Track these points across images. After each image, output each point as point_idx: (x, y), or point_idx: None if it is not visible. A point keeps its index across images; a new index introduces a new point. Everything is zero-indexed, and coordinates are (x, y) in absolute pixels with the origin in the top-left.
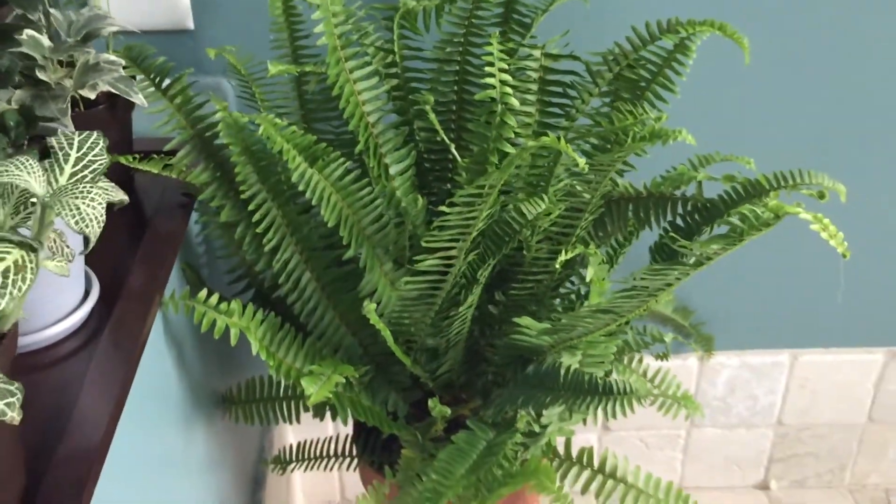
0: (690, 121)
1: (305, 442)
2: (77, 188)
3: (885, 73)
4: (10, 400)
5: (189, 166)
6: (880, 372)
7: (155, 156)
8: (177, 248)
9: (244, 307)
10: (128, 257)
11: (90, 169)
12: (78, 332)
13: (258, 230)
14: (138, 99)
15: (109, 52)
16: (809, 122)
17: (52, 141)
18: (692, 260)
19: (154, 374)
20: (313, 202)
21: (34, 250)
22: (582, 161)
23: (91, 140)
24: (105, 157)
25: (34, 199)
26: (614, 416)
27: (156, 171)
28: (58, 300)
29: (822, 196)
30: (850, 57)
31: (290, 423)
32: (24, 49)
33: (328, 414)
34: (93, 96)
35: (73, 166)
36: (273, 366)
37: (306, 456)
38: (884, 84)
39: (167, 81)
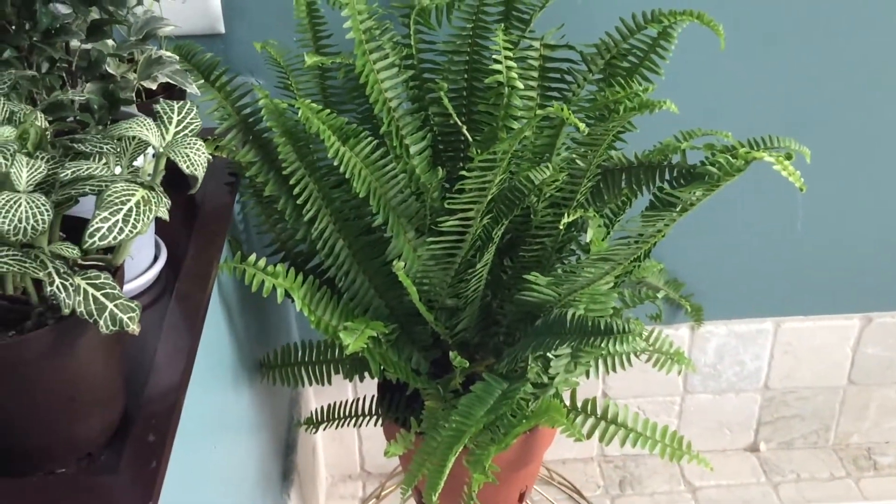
0: (674, 100)
1: (334, 403)
2: (184, 141)
3: (850, 54)
4: (132, 314)
5: (237, 147)
6: (857, 336)
7: (209, 137)
8: (227, 222)
9: (286, 271)
10: (185, 232)
11: (189, 129)
12: (150, 289)
13: (298, 202)
14: (192, 88)
15: (163, 49)
16: (781, 99)
17: (157, 108)
18: (678, 207)
19: (212, 333)
20: (346, 175)
21: (153, 190)
22: (582, 125)
23: (187, 107)
24: (199, 121)
25: (135, 163)
26: (613, 368)
27: (209, 151)
28: (134, 260)
29: (789, 157)
30: (817, 37)
31: (322, 384)
32: (94, 46)
33: (354, 379)
34: (154, 87)
35: (176, 127)
36: (314, 321)
37: (335, 416)
38: (850, 64)
39: (214, 74)
